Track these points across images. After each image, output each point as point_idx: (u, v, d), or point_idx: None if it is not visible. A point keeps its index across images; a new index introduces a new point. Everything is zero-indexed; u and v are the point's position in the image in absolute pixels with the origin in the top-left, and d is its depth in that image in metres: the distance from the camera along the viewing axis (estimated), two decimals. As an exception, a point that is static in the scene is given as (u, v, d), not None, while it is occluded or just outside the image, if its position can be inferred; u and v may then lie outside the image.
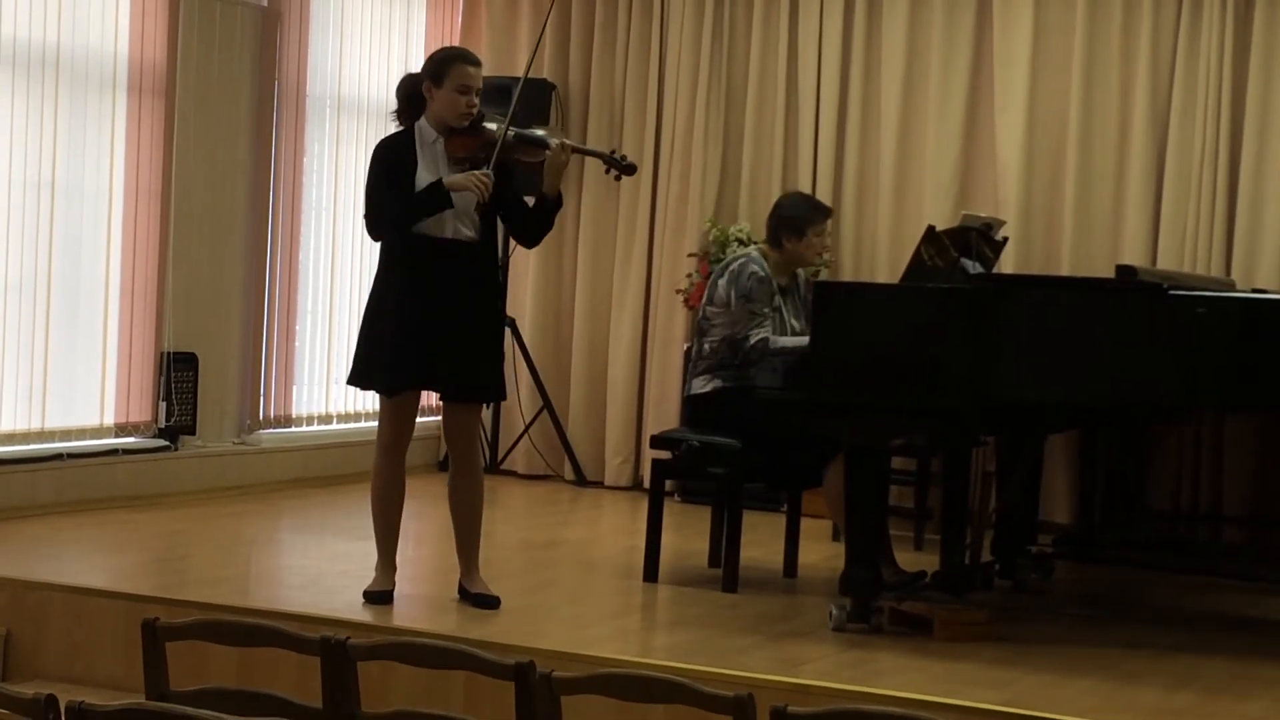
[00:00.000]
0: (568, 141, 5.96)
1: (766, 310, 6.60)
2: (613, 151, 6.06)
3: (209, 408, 8.28)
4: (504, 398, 6.25)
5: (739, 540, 6.51)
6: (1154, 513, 8.02)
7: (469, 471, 6.02)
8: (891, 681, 5.18)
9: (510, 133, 5.83)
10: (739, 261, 6.73)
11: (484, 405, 6.19)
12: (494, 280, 6.02)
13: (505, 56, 9.46)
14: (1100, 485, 7.78)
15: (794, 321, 6.72)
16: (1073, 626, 6.34)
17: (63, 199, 7.63)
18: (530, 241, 6.23)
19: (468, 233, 5.82)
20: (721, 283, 6.70)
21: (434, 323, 5.78)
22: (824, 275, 8.51)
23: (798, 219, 6.77)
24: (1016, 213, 8.23)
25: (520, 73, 9.08)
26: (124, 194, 7.88)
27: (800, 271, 7.00)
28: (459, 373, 5.86)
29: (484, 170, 5.74)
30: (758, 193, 8.92)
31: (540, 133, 6.01)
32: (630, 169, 6.00)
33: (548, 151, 5.85)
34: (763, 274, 6.65)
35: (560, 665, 3.93)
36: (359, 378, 5.99)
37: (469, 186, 5.71)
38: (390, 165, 5.83)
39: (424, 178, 5.79)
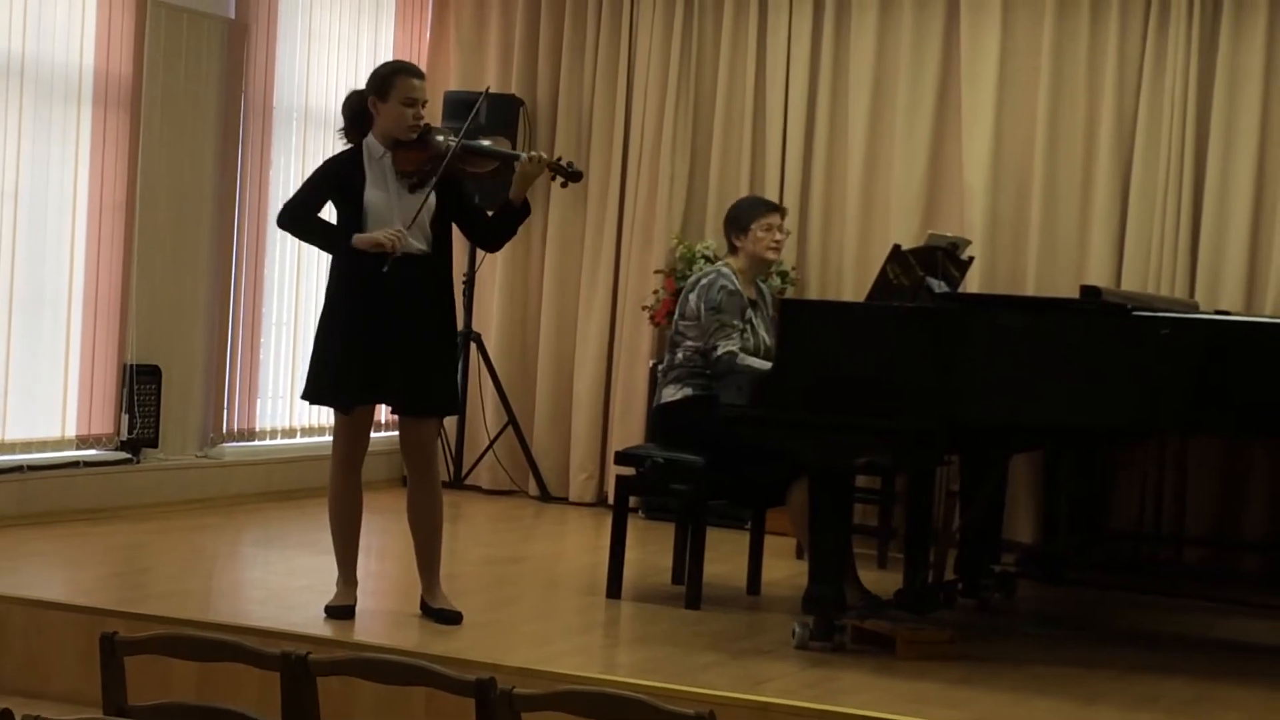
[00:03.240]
0: (539, 153, 5.94)
1: (736, 323, 6.60)
2: (558, 159, 6.06)
3: (172, 420, 8.25)
4: (455, 412, 6.23)
5: (702, 557, 6.50)
6: (1117, 533, 8.05)
7: (426, 486, 6.00)
8: (853, 700, 5.18)
9: (458, 145, 5.82)
10: (709, 276, 6.75)
11: (440, 419, 6.18)
12: (446, 293, 5.98)
13: (474, 71, 9.46)
14: (1064, 505, 7.79)
15: (766, 336, 6.72)
16: (1035, 646, 6.35)
17: (26, 210, 7.59)
18: (492, 246, 6.25)
19: (419, 246, 5.82)
20: (692, 296, 6.71)
21: (384, 336, 5.77)
22: (789, 293, 8.53)
23: (741, 215, 6.84)
24: (982, 232, 8.26)
25: (488, 87, 9.16)
26: (88, 206, 7.85)
27: (765, 288, 7.01)
28: (410, 386, 5.84)
29: (396, 228, 5.72)
30: (724, 210, 8.87)
31: (486, 142, 6.00)
32: (576, 175, 5.97)
33: (520, 162, 5.84)
34: (732, 288, 6.66)
35: (522, 682, 3.91)
36: (312, 393, 5.97)
37: (374, 243, 5.71)
38: (335, 178, 5.85)
39: (372, 195, 5.79)
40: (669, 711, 3.49)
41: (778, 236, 6.84)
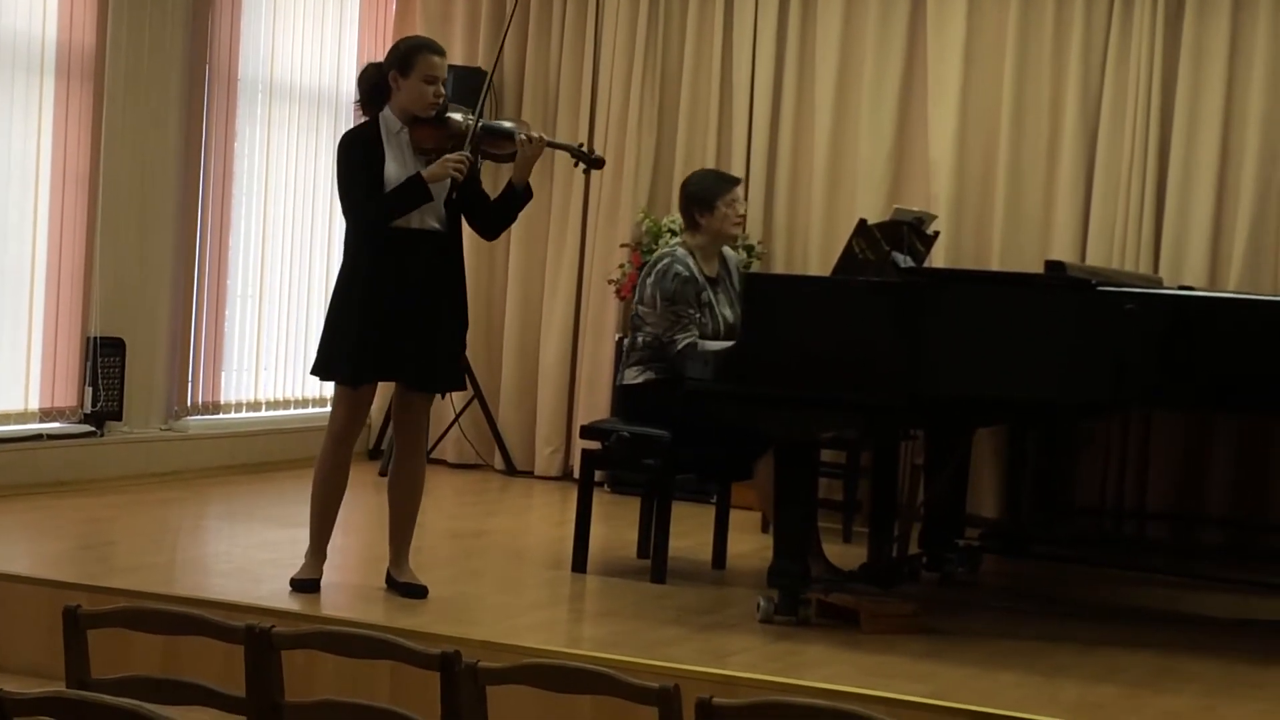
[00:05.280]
0: (541, 135, 5.93)
1: (692, 312, 6.55)
2: (580, 145, 6.06)
3: (136, 393, 8.22)
4: (463, 388, 6.24)
5: (668, 531, 6.51)
6: (1080, 508, 8.08)
7: (413, 462, 6.01)
8: (818, 674, 5.19)
9: (479, 125, 5.81)
10: (664, 261, 6.66)
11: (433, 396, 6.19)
12: (459, 271, 5.96)
13: (439, 43, 9.39)
14: (1028, 479, 7.82)
15: (726, 311, 6.69)
16: (998, 620, 6.37)
17: (-12, 181, 7.56)
18: (491, 234, 6.18)
19: (433, 224, 5.80)
20: (649, 282, 6.65)
21: (399, 314, 5.75)
22: (755, 267, 8.53)
23: (705, 192, 6.72)
24: (948, 207, 8.27)
25: (454, 60, 9.14)
26: (51, 178, 7.80)
27: (732, 256, 6.97)
28: (420, 362, 5.84)
29: (460, 153, 5.71)
30: (690, 184, 8.93)
31: (508, 124, 6.01)
32: (598, 162, 6.02)
33: (521, 140, 5.83)
34: (686, 274, 6.58)
35: (487, 655, 3.92)
36: (322, 368, 5.92)
37: (446, 173, 5.69)
38: (359, 158, 5.79)
39: (392, 169, 5.76)
40: (634, 685, 3.49)
41: (740, 211, 6.82)
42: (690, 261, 6.63)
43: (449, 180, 5.77)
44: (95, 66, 7.92)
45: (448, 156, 5.72)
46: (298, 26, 9.12)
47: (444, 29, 9.45)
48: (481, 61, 9.28)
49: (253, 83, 8.86)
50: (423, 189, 5.71)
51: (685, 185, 6.88)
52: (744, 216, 6.91)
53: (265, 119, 8.94)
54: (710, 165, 8.79)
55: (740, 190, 6.86)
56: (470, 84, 8.94)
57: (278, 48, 8.99)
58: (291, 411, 9.10)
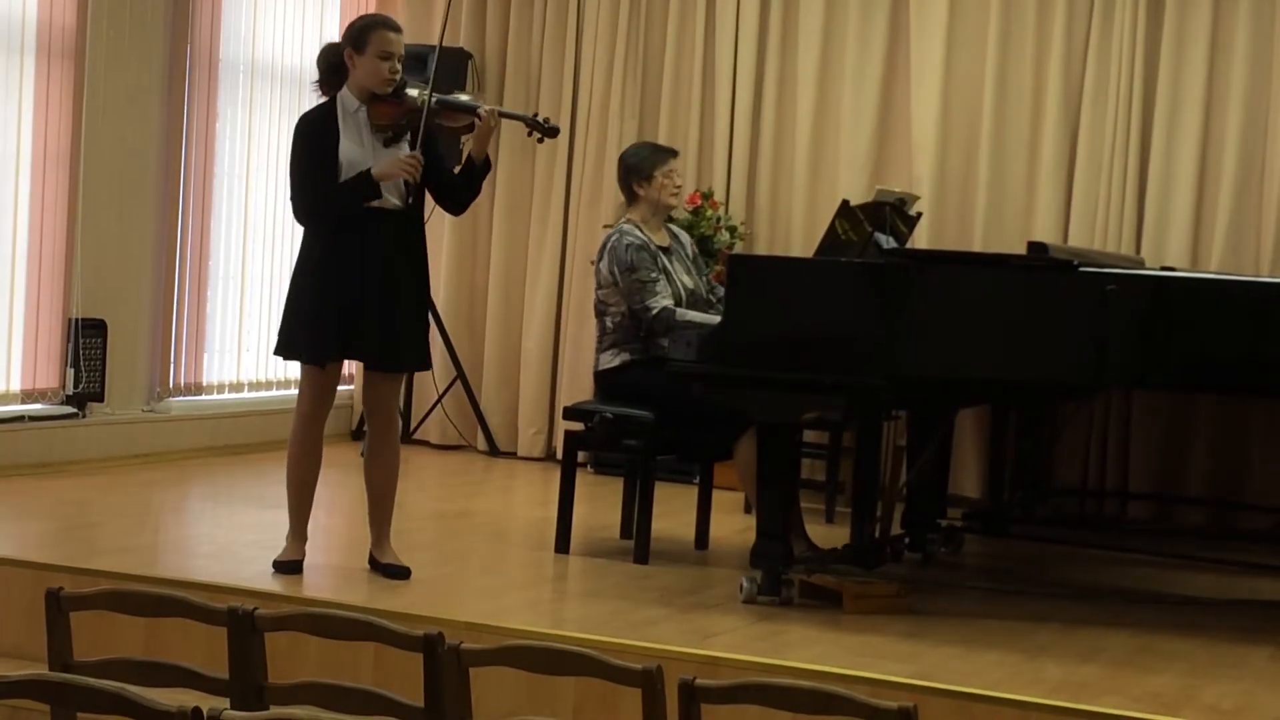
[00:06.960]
0: (495, 108, 5.95)
1: (655, 275, 6.59)
2: (535, 115, 6.07)
3: (118, 375, 8.20)
4: (428, 367, 6.24)
5: (650, 512, 6.52)
6: (1062, 488, 8.10)
7: (387, 442, 6.00)
8: (801, 654, 5.20)
9: (433, 99, 5.81)
10: (612, 239, 6.71)
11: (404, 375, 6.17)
12: (420, 249, 5.95)
13: (423, 24, 9.38)
14: (1010, 460, 7.84)
15: (685, 278, 6.73)
16: (981, 600, 6.38)
17: (-31, 162, 7.53)
18: (457, 209, 6.17)
19: (394, 201, 5.79)
20: (602, 265, 6.68)
21: (361, 292, 5.74)
22: (738, 248, 8.54)
23: (643, 163, 6.79)
24: (930, 188, 8.27)
25: (435, 39, 9.12)
26: (32, 158, 7.77)
27: (678, 231, 7.00)
28: (383, 342, 5.83)
29: (411, 153, 5.70)
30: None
31: (464, 98, 6.02)
32: (553, 131, 6.02)
33: (477, 119, 5.83)
34: (638, 242, 6.64)
35: (470, 637, 3.92)
36: (284, 348, 5.91)
37: (397, 173, 5.69)
38: (312, 146, 5.78)
39: (347, 148, 5.74)
40: (617, 666, 3.50)
41: (678, 182, 6.88)
42: (638, 232, 6.67)
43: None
44: (76, 46, 7.89)
45: (400, 158, 5.70)
46: (279, 6, 9.08)
47: (426, 9, 9.43)
48: (462, 41, 9.26)
49: (234, 63, 8.83)
50: (371, 186, 5.71)
51: (623, 158, 6.95)
52: (680, 188, 6.95)
53: (247, 100, 8.91)
54: (692, 145, 8.81)
55: (677, 162, 6.91)
56: (450, 63, 8.93)
57: (259, 28, 8.96)
58: (273, 393, 9.09)
